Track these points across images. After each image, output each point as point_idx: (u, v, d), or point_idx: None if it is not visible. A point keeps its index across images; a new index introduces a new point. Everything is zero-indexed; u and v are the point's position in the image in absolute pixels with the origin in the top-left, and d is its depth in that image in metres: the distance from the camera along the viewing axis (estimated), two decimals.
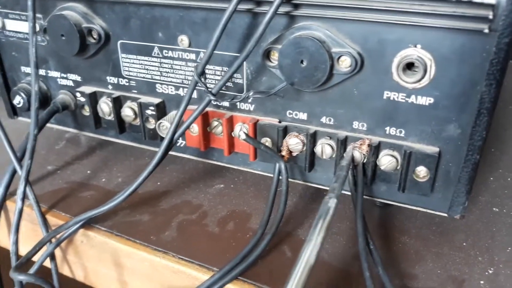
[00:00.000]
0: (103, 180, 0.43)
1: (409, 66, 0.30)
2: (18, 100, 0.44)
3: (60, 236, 0.36)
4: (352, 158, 0.32)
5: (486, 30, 0.26)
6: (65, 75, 0.43)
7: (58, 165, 0.45)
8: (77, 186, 0.42)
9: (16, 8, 0.42)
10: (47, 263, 0.38)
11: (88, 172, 0.44)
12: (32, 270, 0.35)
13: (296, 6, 0.30)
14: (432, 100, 0.30)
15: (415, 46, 0.29)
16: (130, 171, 0.44)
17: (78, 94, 0.42)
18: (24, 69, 0.45)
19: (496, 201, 0.39)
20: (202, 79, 0.32)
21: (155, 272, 0.34)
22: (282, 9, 0.30)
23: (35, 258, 0.36)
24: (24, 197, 0.35)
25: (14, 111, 0.48)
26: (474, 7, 0.26)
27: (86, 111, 0.42)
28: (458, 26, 0.27)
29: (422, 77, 0.29)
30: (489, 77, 0.27)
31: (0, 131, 0.38)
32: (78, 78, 0.42)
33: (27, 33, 0.43)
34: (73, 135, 0.51)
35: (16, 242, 0.34)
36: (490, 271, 0.31)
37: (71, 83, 0.43)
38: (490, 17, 0.26)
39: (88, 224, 0.36)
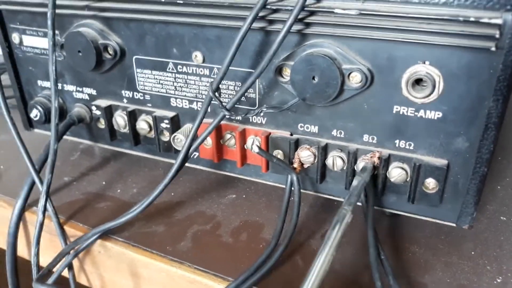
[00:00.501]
0: (119, 191, 0.44)
1: (418, 81, 0.31)
2: (35, 114, 0.46)
3: (79, 247, 0.37)
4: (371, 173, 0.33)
5: (493, 48, 0.27)
6: (80, 89, 0.44)
7: (74, 176, 0.46)
8: (93, 197, 0.43)
9: (33, 24, 0.43)
10: (65, 273, 0.39)
11: (104, 183, 0.45)
12: (50, 280, 0.36)
13: (308, 25, 0.31)
14: (440, 115, 0.31)
15: (424, 63, 0.30)
16: (145, 182, 0.45)
17: (93, 108, 0.43)
18: (41, 83, 0.46)
19: (504, 210, 0.40)
20: (217, 95, 0.33)
21: (172, 282, 0.35)
22: (295, 28, 0.31)
23: (54, 268, 0.37)
24: (45, 210, 0.36)
25: (30, 123, 0.50)
26: (481, 27, 0.27)
27: (102, 124, 0.43)
28: (465, 44, 0.28)
29: (431, 93, 0.30)
30: (496, 93, 0.28)
31: (20, 145, 0.39)
32: (94, 92, 0.44)
33: (43, 49, 0.44)
34: (87, 146, 0.52)
35: (37, 254, 0.35)
36: (499, 280, 0.32)
37: (86, 97, 0.44)
38: (497, 36, 0.27)
39: (106, 235, 0.38)
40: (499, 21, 0.26)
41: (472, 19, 0.27)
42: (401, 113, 0.32)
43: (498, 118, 0.29)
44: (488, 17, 0.26)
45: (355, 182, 0.31)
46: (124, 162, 0.49)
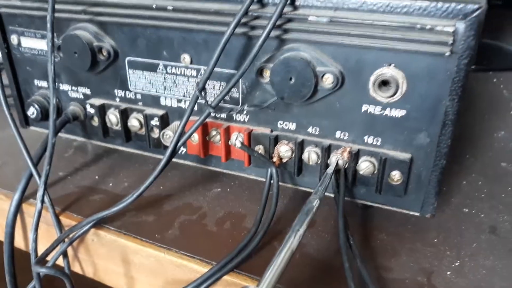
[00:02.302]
0: (111, 184, 0.46)
1: (384, 83, 0.34)
2: (32, 111, 0.48)
3: (74, 234, 0.40)
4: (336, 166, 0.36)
5: (448, 53, 0.31)
6: (75, 88, 0.47)
7: (68, 171, 0.49)
8: (87, 190, 0.46)
9: (31, 27, 0.46)
10: (59, 262, 0.41)
11: (96, 177, 0.48)
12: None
13: (286, 31, 0.34)
14: (404, 113, 0.34)
15: (389, 66, 0.33)
16: (135, 176, 0.48)
17: (88, 106, 0.46)
18: (37, 82, 0.49)
19: (467, 203, 0.43)
20: (203, 94, 0.36)
21: (160, 267, 0.38)
22: (273, 33, 0.34)
23: (48, 257, 0.39)
24: (43, 199, 0.39)
25: (26, 121, 0.52)
26: (437, 34, 0.30)
27: (95, 122, 0.46)
28: (424, 49, 0.31)
29: (395, 93, 0.33)
30: (452, 93, 0.32)
31: (19, 140, 0.42)
32: (88, 91, 0.46)
33: (40, 50, 0.47)
34: (80, 143, 0.55)
35: (35, 240, 0.38)
36: (457, 264, 0.36)
37: (81, 96, 0.47)
38: (450, 42, 0.30)
39: (99, 224, 0.40)
40: (451, 29, 0.30)
41: (428, 27, 0.30)
42: (369, 111, 0.35)
43: (454, 116, 0.32)
44: (442, 25, 0.30)
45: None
46: (115, 158, 0.51)
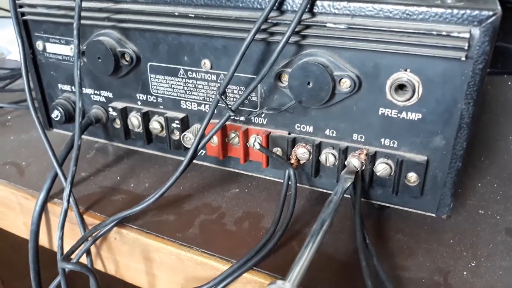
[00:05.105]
0: (132, 185, 0.48)
1: (401, 87, 0.35)
2: (56, 114, 0.50)
3: (97, 233, 0.41)
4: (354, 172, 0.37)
5: (463, 58, 0.31)
6: (98, 92, 0.49)
7: (90, 172, 0.51)
8: (109, 190, 0.47)
9: (56, 33, 0.48)
10: (82, 259, 0.43)
11: (118, 178, 0.49)
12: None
13: (304, 37, 0.35)
14: (420, 116, 0.35)
15: (405, 70, 0.34)
16: (156, 177, 0.49)
17: (110, 109, 0.47)
18: (61, 86, 0.51)
19: (483, 205, 0.44)
20: (223, 98, 0.37)
21: (181, 265, 0.39)
22: (292, 39, 0.35)
23: (72, 254, 0.41)
24: (69, 198, 0.40)
25: (50, 124, 0.54)
26: (453, 39, 0.31)
27: (117, 124, 0.48)
28: (440, 54, 0.32)
29: (411, 96, 0.34)
30: (467, 97, 0.33)
31: (45, 142, 0.43)
32: (110, 95, 0.48)
33: (65, 55, 0.49)
34: (101, 145, 0.56)
35: (61, 237, 0.39)
36: (473, 264, 0.36)
37: (103, 99, 0.48)
38: (466, 48, 0.31)
39: (121, 223, 0.42)
40: (467, 35, 0.30)
41: (444, 33, 0.31)
42: (385, 114, 0.36)
43: (469, 119, 0.33)
44: (458, 31, 0.31)
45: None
46: (136, 160, 0.53)
